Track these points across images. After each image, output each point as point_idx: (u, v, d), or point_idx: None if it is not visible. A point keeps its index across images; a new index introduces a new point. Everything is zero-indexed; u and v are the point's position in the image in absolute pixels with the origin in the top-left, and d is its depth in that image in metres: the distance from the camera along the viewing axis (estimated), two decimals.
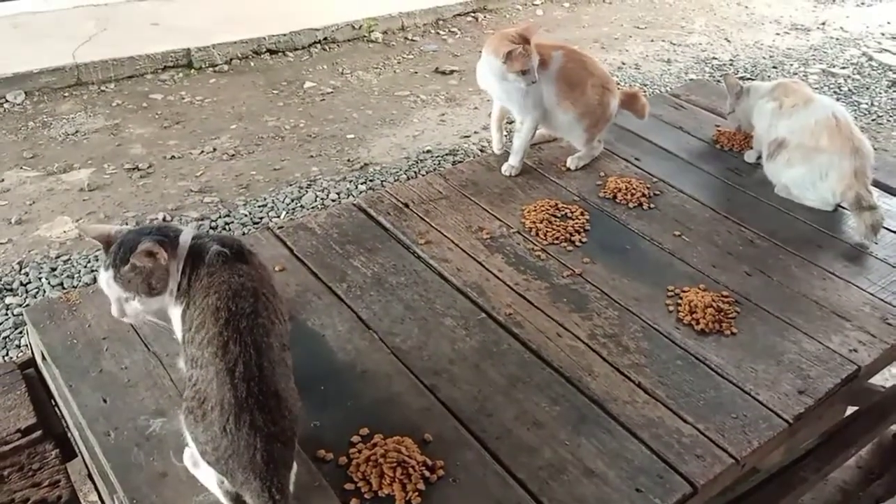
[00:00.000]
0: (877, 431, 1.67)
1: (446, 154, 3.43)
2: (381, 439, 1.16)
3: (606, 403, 1.28)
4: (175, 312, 1.09)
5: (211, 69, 4.16)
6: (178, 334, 1.08)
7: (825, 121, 1.76)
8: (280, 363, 1.04)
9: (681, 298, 1.51)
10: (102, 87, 3.87)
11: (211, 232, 2.79)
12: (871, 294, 1.55)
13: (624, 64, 4.59)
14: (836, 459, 1.54)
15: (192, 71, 4.13)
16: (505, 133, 2.00)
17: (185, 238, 1.10)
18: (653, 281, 1.57)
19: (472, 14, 5.07)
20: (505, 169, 1.90)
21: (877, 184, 1.86)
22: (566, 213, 1.75)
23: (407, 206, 1.75)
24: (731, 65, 4.63)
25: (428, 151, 3.47)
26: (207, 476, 1.05)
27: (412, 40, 4.70)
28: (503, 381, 1.31)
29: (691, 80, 4.24)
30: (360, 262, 1.56)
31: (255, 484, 0.96)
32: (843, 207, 1.78)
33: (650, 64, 4.60)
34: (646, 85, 4.27)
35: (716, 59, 4.70)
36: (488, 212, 1.75)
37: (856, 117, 3.98)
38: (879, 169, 1.92)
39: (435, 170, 3.19)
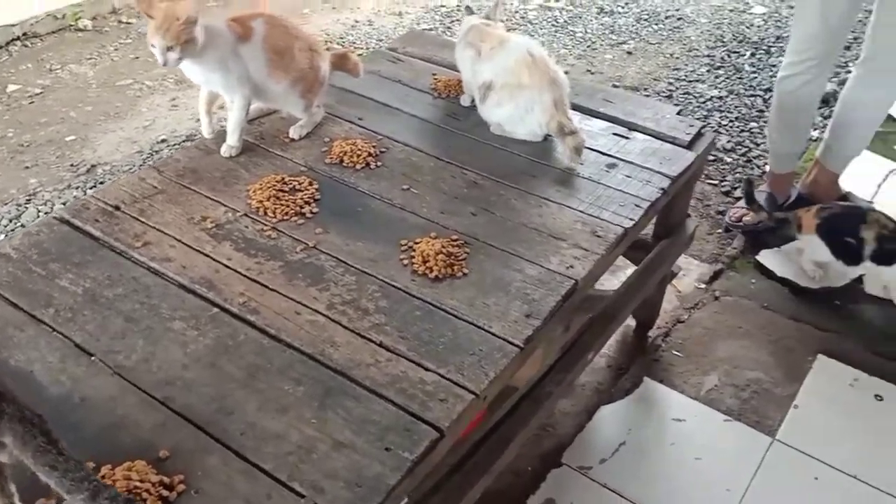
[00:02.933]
0: (608, 334, 1.84)
1: (183, 140, 3.22)
2: (109, 469, 1.07)
3: (350, 370, 1.28)
4: None
5: None
6: None
7: (522, 59, 1.86)
8: None
9: (414, 250, 1.54)
10: None
11: None
12: (581, 212, 1.68)
13: (357, 22, 4.57)
14: (575, 368, 1.68)
15: None
16: (220, 118, 1.90)
17: None
18: (386, 238, 1.58)
19: None
20: (224, 150, 1.80)
21: (578, 108, 2.01)
22: (294, 186, 1.71)
23: (118, 208, 1.61)
24: (458, 10, 4.77)
25: (163, 141, 3.24)
26: None
27: (127, 23, 4.32)
28: (242, 374, 1.26)
29: (424, 30, 4.33)
30: (67, 281, 1.42)
31: None
32: (551, 136, 1.90)
33: (383, 19, 4.62)
34: (381, 40, 4.29)
35: (443, 6, 4.83)
36: (211, 199, 1.66)
37: (573, 46, 4.29)
38: (580, 94, 2.09)
39: None
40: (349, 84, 2.09)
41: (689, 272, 2.52)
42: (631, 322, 2.27)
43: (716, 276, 2.51)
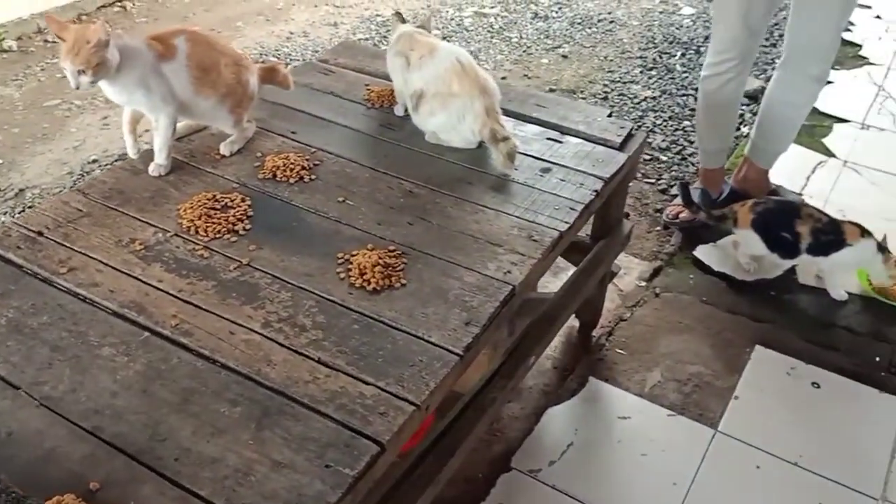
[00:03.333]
0: (550, 336, 1.85)
1: (116, 160, 3.14)
2: None
3: (288, 389, 1.26)
4: None
5: None
6: None
7: (452, 67, 1.86)
8: None
9: (351, 263, 1.53)
10: None
11: None
12: (517, 217, 1.69)
13: (292, 34, 4.53)
14: (517, 373, 1.68)
15: None
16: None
17: None
18: (322, 252, 1.57)
19: (119, 4, 4.65)
20: (152, 169, 1.76)
21: (511, 114, 2.02)
22: (226, 203, 1.68)
23: (40, 234, 1.56)
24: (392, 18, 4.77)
25: (94, 161, 3.16)
26: None
27: (54, 42, 4.20)
28: (176, 399, 1.23)
29: (358, 41, 4.31)
30: None
31: None
32: (485, 143, 1.91)
33: (318, 30, 4.59)
34: (317, 52, 4.26)
35: (379, 15, 4.82)
36: (139, 220, 1.62)
37: (509, 51, 4.33)
38: (512, 100, 2.10)
39: None
40: (281, 98, 2.06)
41: (630, 270, 2.56)
42: (575, 322, 2.29)
43: (656, 273, 2.55)
